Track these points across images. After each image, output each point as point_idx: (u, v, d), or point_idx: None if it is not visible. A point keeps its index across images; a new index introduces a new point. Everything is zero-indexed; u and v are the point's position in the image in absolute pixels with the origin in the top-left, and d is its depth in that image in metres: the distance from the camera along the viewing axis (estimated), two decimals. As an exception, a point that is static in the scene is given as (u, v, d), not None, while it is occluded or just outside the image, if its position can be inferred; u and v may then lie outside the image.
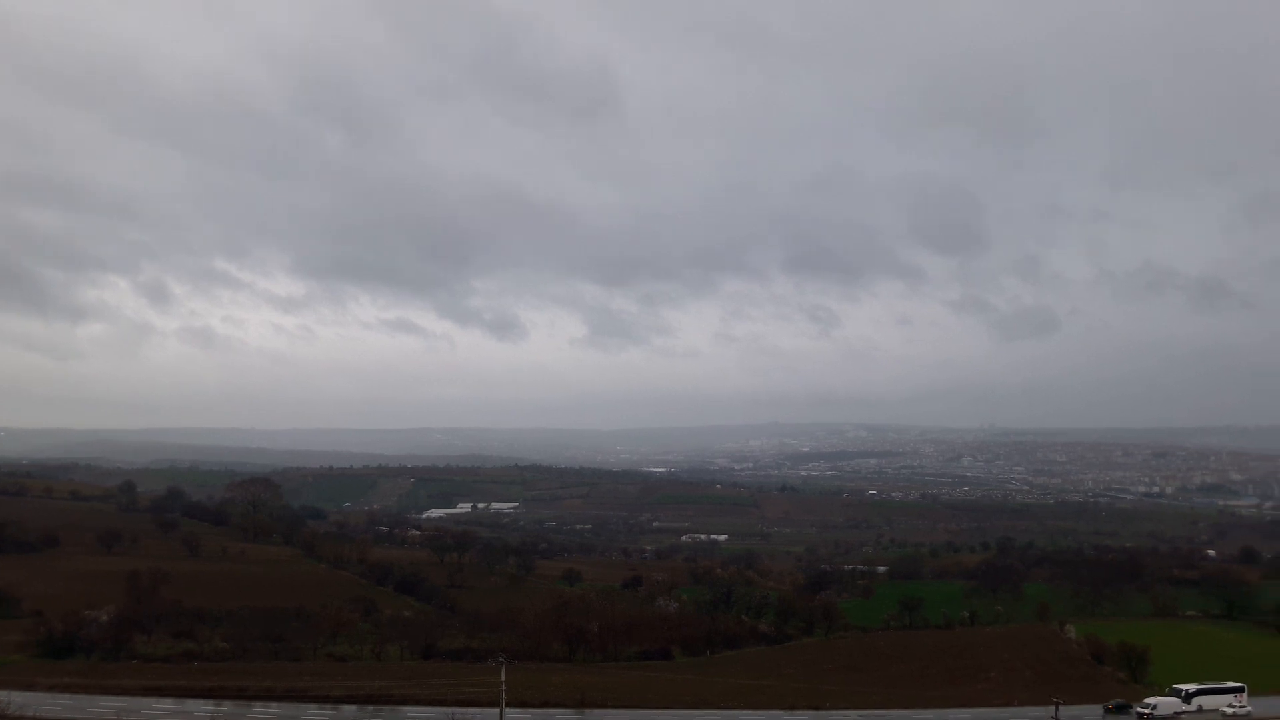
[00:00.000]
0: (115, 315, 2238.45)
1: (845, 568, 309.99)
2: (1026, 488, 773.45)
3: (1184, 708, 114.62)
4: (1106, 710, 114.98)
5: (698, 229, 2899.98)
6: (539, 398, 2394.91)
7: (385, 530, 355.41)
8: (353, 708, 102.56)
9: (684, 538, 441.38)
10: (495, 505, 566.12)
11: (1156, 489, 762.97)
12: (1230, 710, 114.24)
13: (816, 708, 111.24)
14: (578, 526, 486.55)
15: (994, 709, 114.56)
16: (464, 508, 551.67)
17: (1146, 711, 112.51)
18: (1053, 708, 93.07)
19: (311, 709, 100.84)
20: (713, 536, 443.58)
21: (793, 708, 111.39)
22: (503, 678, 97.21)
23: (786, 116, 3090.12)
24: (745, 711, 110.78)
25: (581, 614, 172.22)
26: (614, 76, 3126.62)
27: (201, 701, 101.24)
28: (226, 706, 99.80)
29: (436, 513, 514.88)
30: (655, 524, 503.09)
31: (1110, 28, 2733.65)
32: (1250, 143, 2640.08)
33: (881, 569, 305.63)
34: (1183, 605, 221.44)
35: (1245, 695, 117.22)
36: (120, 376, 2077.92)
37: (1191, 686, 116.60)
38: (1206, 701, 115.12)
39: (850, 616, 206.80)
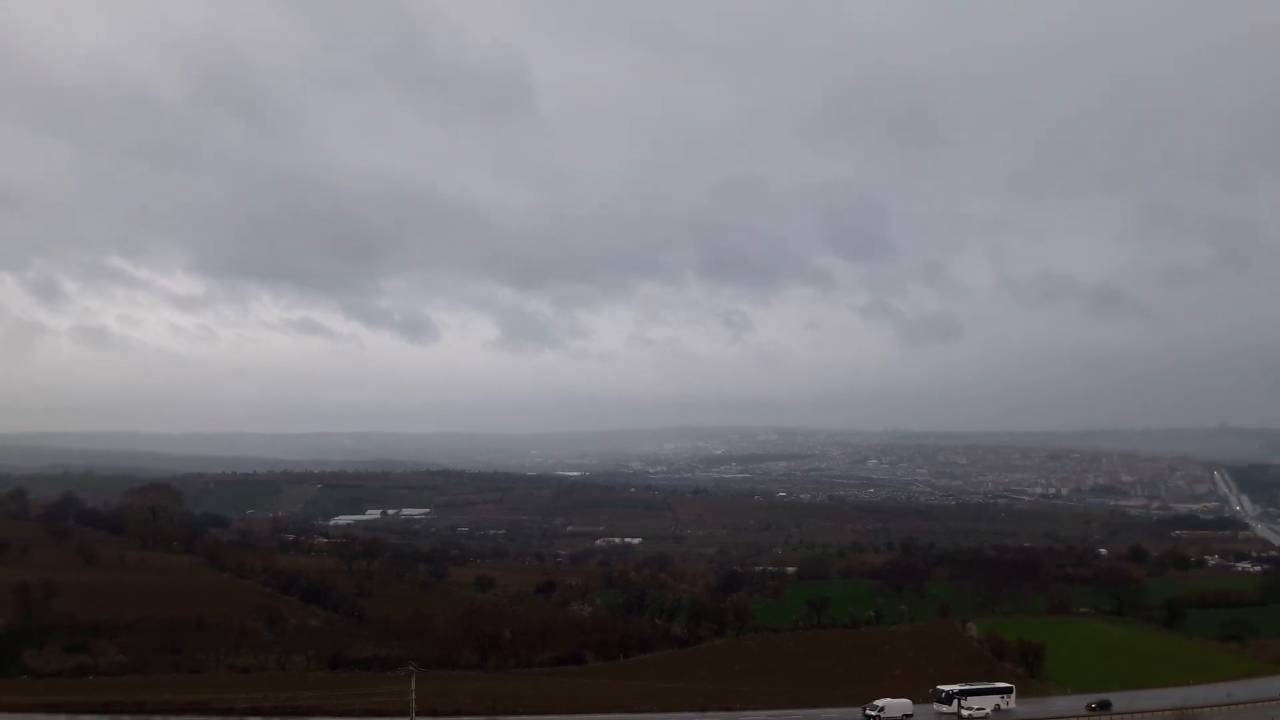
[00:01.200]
0: (1, 313, 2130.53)
1: (756, 569, 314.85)
2: (929, 489, 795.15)
3: (944, 709, 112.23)
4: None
5: (612, 231, 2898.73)
6: (451, 401, 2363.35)
7: (291, 538, 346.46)
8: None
9: (598, 541, 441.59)
10: (406, 511, 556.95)
11: (1052, 490, 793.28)
12: (983, 712, 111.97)
13: (728, 709, 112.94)
14: (491, 532, 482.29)
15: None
16: (373, 514, 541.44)
17: (874, 714, 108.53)
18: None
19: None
20: (627, 540, 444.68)
21: (704, 709, 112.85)
22: (412, 686, 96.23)
23: (701, 119, 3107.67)
24: (658, 714, 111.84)
25: (494, 620, 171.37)
26: (527, 73, 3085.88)
27: (96, 717, 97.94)
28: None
29: (344, 520, 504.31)
30: (570, 528, 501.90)
31: (1012, 41, 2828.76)
32: (1144, 156, 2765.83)
33: (791, 570, 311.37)
34: (1076, 602, 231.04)
35: (1014, 696, 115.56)
36: (8, 378, 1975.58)
37: (955, 687, 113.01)
38: (973, 702, 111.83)
39: (761, 617, 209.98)
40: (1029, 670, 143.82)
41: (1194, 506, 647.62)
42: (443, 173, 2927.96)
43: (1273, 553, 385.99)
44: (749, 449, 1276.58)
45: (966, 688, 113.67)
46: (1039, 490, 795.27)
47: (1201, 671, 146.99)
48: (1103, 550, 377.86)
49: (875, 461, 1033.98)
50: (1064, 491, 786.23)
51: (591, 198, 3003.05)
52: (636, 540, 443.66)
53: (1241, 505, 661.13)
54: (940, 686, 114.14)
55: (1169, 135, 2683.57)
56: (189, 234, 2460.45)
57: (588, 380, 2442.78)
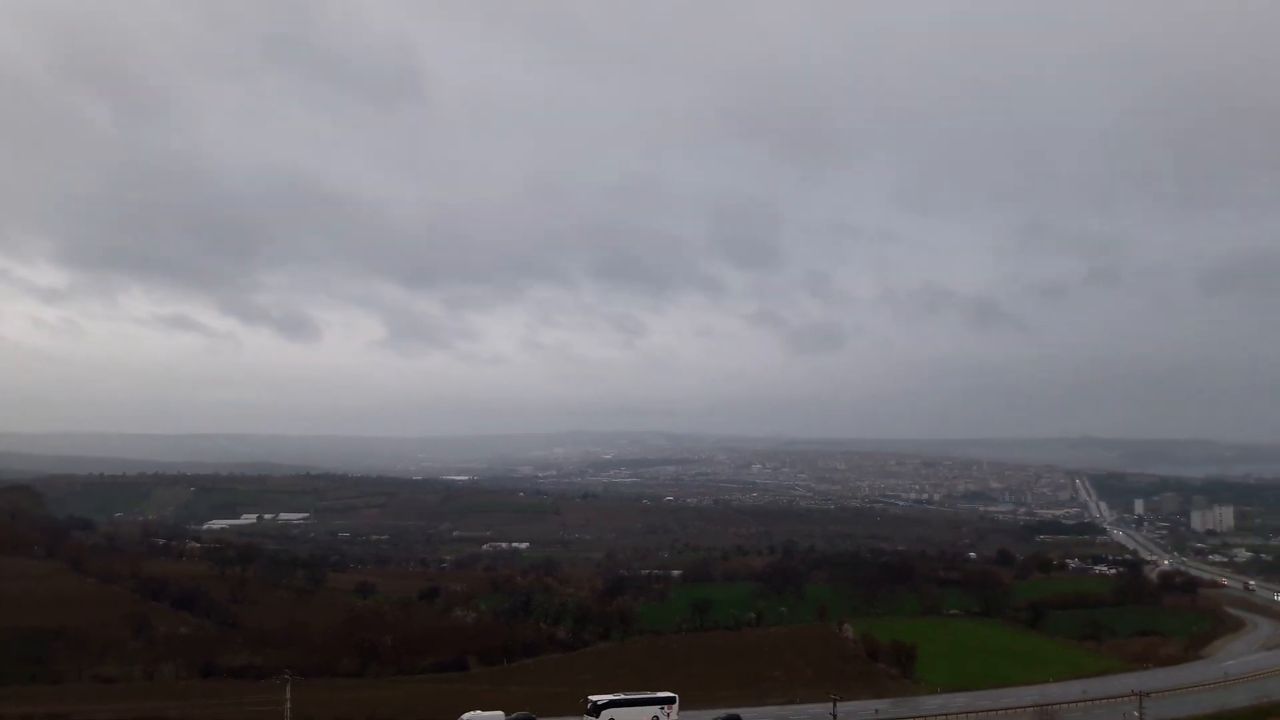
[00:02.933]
0: None
1: (642, 573, 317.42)
2: (810, 494, 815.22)
3: None
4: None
5: (505, 230, 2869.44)
6: (334, 403, 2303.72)
7: (162, 542, 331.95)
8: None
9: (485, 547, 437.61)
10: (284, 516, 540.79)
11: (926, 496, 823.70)
12: None
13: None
14: (374, 537, 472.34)
15: (777, 707, 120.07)
16: (249, 519, 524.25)
17: None
18: (831, 704, 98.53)
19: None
20: (514, 545, 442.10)
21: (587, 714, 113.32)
22: (288, 695, 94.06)
23: (596, 118, 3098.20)
24: None
25: (375, 627, 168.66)
26: (419, 63, 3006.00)
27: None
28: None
29: (219, 524, 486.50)
30: (456, 533, 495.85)
31: (903, 56, 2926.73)
32: (1024, 172, 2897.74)
33: (676, 573, 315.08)
34: (947, 604, 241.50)
35: (675, 707, 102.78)
36: None
37: (605, 697, 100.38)
38: (623, 714, 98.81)
39: (646, 620, 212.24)
40: (901, 670, 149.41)
41: (1057, 512, 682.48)
42: (328, 164, 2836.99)
43: (1127, 556, 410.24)
44: (639, 453, 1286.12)
45: (618, 698, 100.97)
46: (913, 496, 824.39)
47: (1061, 669, 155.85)
48: (972, 554, 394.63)
49: (759, 466, 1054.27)
50: (937, 497, 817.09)
51: (484, 195, 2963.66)
52: (524, 545, 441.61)
53: (1100, 511, 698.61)
54: (591, 696, 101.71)
55: (1049, 153, 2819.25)
56: (53, 221, 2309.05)
57: (478, 383, 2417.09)
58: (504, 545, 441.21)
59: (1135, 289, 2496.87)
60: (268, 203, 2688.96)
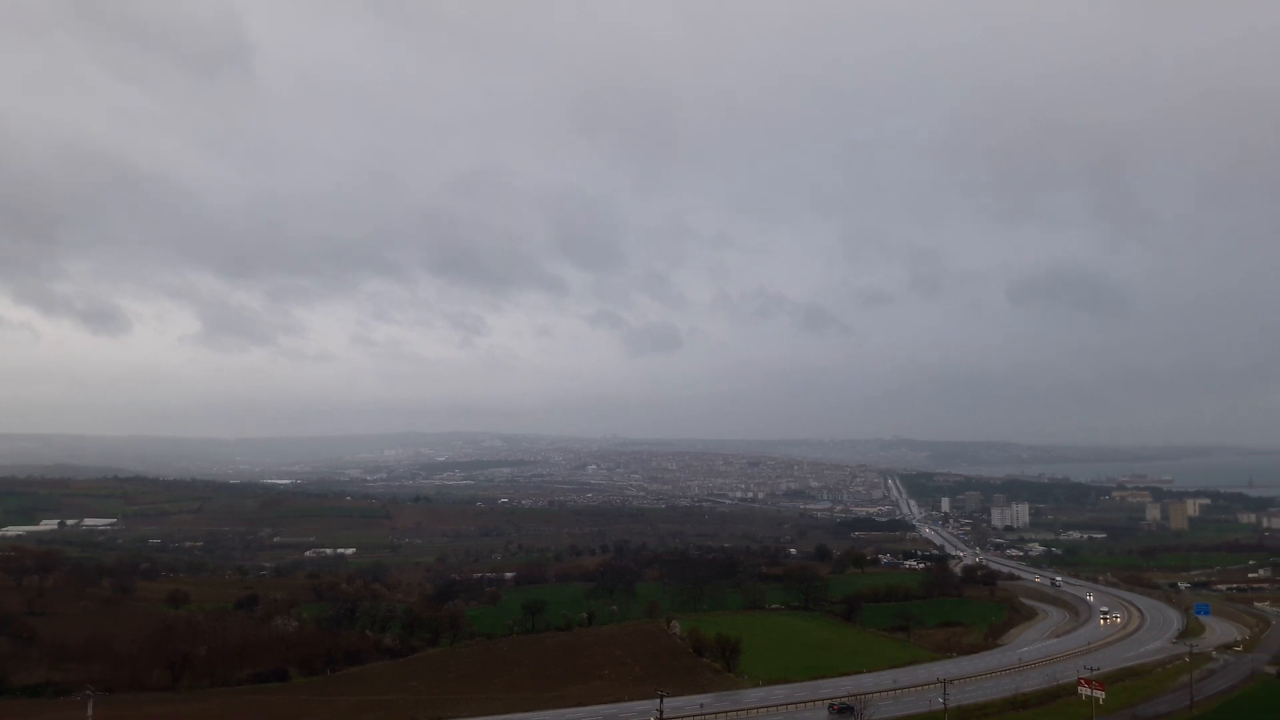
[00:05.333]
0: None
1: (475, 576, 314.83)
2: (643, 494, 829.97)
3: None
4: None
5: (336, 220, 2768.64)
6: (145, 401, 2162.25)
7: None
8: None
9: (308, 553, 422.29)
10: (89, 522, 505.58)
11: (751, 494, 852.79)
12: None
13: (439, 718, 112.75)
14: (188, 544, 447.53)
15: (605, 705, 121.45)
16: (50, 525, 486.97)
17: None
18: (658, 700, 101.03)
19: None
20: (339, 550, 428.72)
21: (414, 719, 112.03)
22: (89, 712, 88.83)
23: (439, 104, 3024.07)
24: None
25: (188, 638, 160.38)
26: (244, 32, 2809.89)
27: None
28: None
29: (14, 530, 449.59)
30: (277, 539, 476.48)
31: (748, 64, 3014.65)
32: (853, 182, 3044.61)
33: (510, 575, 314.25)
34: (770, 598, 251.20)
35: None
36: None
37: None
38: None
39: (478, 624, 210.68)
40: (726, 664, 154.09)
41: (871, 510, 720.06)
42: (140, 139, 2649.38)
43: (934, 551, 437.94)
44: (474, 455, 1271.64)
45: None
46: (740, 494, 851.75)
47: (874, 660, 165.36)
48: (793, 550, 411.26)
49: (594, 467, 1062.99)
50: (761, 495, 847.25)
51: (314, 181, 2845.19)
52: (350, 550, 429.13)
53: (910, 509, 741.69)
54: None
55: (877, 161, 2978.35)
56: None
57: (303, 382, 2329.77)
58: (329, 551, 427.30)
59: (952, 297, 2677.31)
60: (70, 180, 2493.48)
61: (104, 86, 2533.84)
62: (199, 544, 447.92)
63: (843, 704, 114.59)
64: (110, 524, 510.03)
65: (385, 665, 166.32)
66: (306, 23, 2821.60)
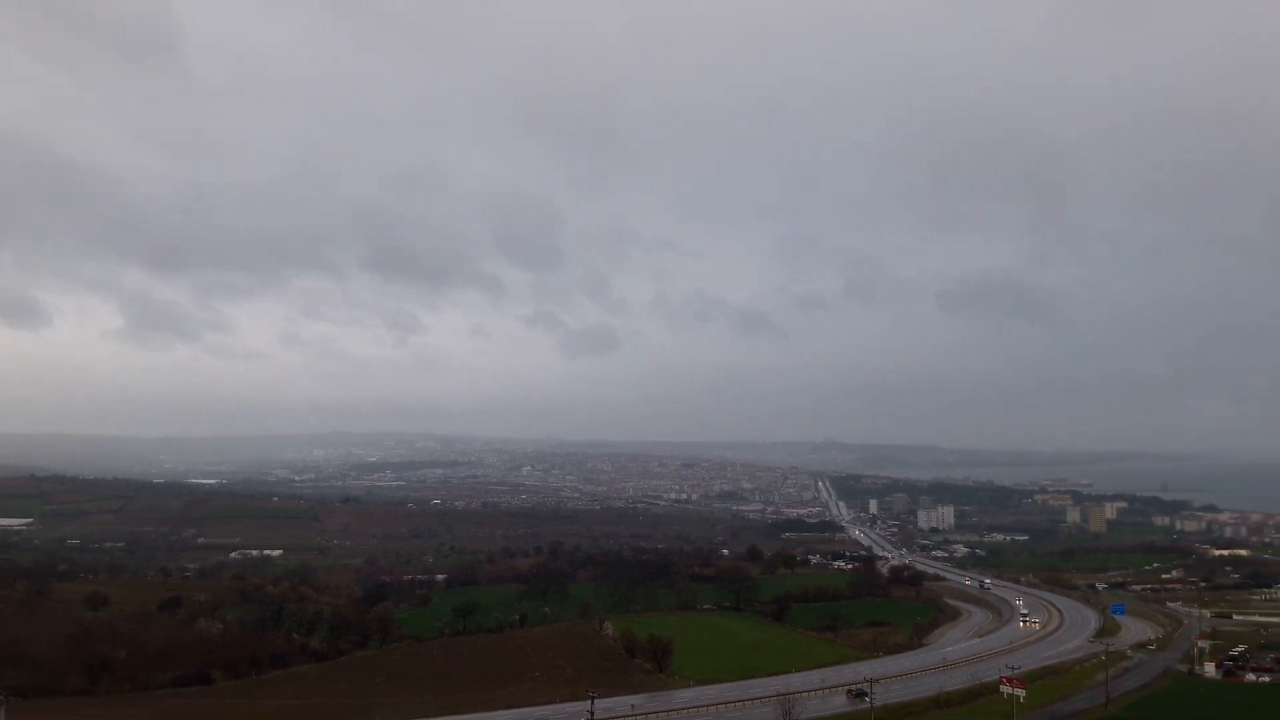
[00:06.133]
0: None
1: (405, 578, 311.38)
2: (578, 495, 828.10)
3: None
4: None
5: (268, 214, 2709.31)
6: (64, 398, 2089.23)
7: None
8: None
9: (234, 554, 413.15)
10: (2, 521, 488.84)
11: (685, 496, 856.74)
12: None
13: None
14: (108, 545, 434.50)
15: (536, 707, 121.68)
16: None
17: None
18: (589, 701, 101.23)
19: None
20: (266, 552, 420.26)
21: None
22: (2, 718, 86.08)
23: (377, 98, 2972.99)
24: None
25: (107, 641, 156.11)
26: (175, 17, 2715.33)
27: None
28: None
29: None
30: (201, 540, 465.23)
31: (688, 54, 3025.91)
32: (795, 187, 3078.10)
33: (441, 577, 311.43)
34: (702, 599, 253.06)
35: None
36: None
37: None
38: None
39: (408, 626, 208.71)
40: (657, 665, 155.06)
41: (801, 511, 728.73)
42: (61, 126, 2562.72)
43: (862, 552, 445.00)
44: (406, 456, 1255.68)
45: None
46: (674, 496, 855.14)
47: (803, 659, 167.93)
48: (725, 551, 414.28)
49: (529, 468, 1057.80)
50: (695, 497, 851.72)
51: (245, 173, 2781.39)
52: (277, 552, 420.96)
53: (840, 510, 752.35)
54: None
55: (816, 165, 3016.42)
56: None
57: (230, 380, 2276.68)
58: (255, 553, 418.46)
59: (886, 303, 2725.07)
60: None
61: (26, 70, 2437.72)
62: (120, 545, 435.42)
63: (859, 689, 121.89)
64: (26, 524, 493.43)
65: (312, 668, 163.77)
66: (242, 10, 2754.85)
